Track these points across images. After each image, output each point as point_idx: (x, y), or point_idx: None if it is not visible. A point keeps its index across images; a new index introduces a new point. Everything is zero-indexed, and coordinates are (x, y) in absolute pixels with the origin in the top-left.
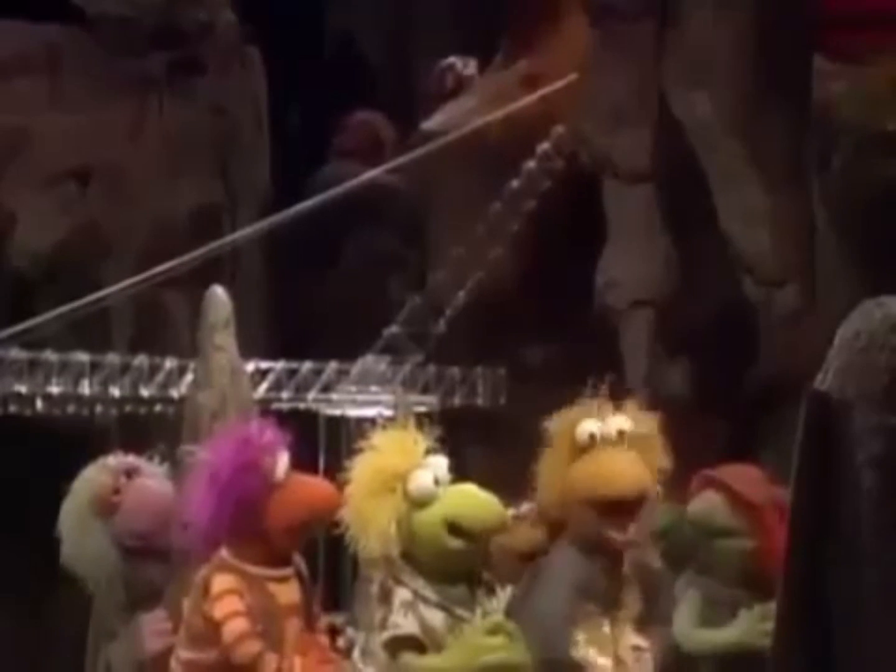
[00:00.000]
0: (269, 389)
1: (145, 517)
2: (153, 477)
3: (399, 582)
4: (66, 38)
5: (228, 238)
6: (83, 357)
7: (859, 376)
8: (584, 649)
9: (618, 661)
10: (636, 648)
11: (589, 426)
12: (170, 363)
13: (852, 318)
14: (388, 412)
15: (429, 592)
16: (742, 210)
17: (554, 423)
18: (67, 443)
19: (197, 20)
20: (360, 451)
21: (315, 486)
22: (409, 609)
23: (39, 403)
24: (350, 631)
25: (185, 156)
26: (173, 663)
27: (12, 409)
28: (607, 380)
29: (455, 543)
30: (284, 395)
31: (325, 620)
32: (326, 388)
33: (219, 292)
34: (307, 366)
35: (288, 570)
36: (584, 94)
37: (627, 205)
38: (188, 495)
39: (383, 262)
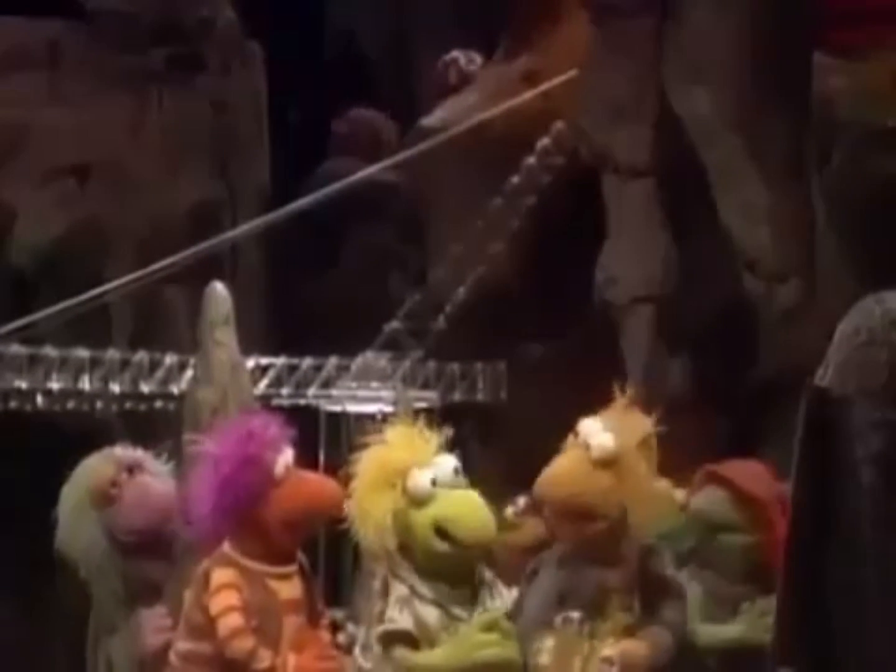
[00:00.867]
0: (270, 385)
1: (141, 515)
2: (155, 474)
3: (396, 576)
4: (66, 34)
5: (228, 234)
6: (83, 353)
7: (859, 372)
8: (544, 657)
9: None
10: (605, 660)
11: (605, 441)
12: (170, 359)
13: (852, 315)
14: (388, 408)
15: (424, 589)
16: (742, 206)
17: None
18: (67, 439)
19: (197, 16)
20: (369, 444)
21: (316, 482)
22: (405, 604)
23: (39, 399)
24: (351, 627)
25: (184, 152)
26: (172, 654)
27: (12, 405)
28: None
29: (442, 547)
30: (285, 391)
31: (326, 616)
32: (327, 384)
33: (219, 288)
34: (307, 362)
35: (290, 567)
36: (585, 90)
37: (627, 201)
38: (190, 487)
39: (383, 258)
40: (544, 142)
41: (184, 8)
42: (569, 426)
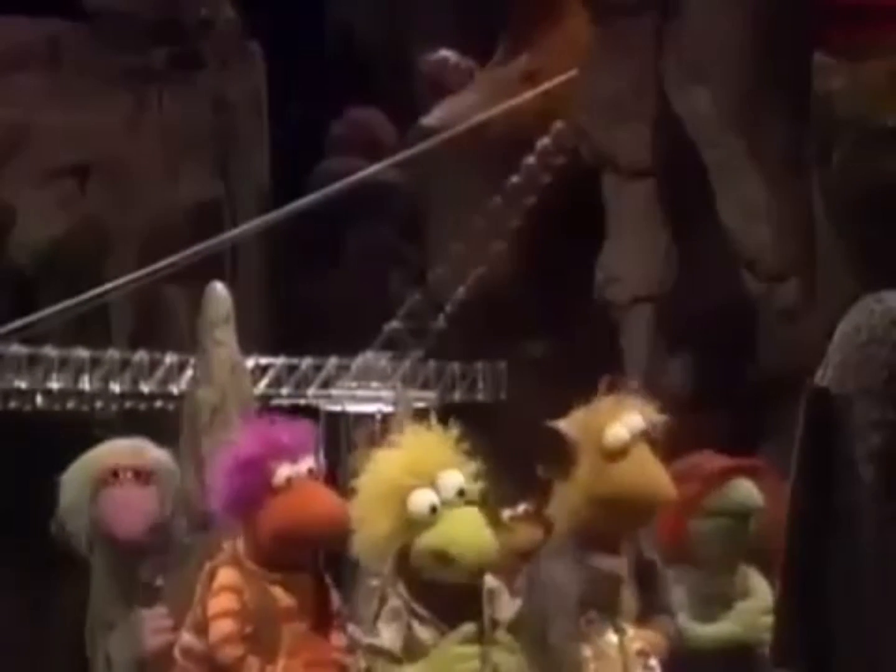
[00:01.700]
0: (270, 385)
1: (120, 527)
2: (144, 479)
3: (392, 589)
4: (66, 33)
5: (228, 234)
6: (83, 353)
7: (859, 371)
8: (590, 667)
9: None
10: (641, 654)
11: (620, 432)
12: (170, 359)
13: (852, 314)
14: (388, 408)
15: (419, 607)
16: (742, 205)
17: (572, 427)
18: (67, 439)
19: (197, 15)
20: (380, 447)
21: (314, 500)
22: (396, 618)
23: (39, 399)
24: (350, 627)
25: (184, 151)
26: (176, 646)
27: (12, 404)
28: (611, 378)
29: (441, 573)
30: (284, 390)
31: (342, 621)
32: (326, 384)
33: (219, 288)
34: (307, 361)
35: (295, 575)
36: (585, 89)
37: (627, 200)
38: (210, 477)
39: (383, 257)
40: (544, 142)
41: (184, 7)
42: None
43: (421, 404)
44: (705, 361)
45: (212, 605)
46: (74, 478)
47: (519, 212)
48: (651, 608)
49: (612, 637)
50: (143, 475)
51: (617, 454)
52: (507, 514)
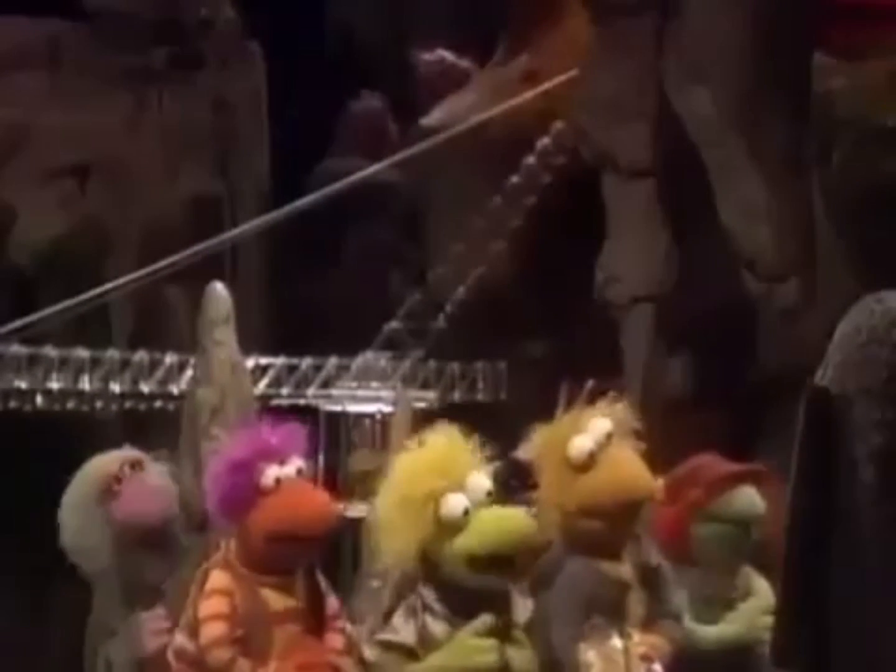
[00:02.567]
0: (270, 385)
1: (141, 508)
2: (156, 473)
3: (412, 588)
4: (66, 33)
5: (228, 234)
6: (83, 353)
7: (859, 371)
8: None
9: None
10: (644, 658)
11: (585, 444)
12: (170, 359)
13: (852, 314)
14: (388, 408)
15: (439, 607)
16: (742, 205)
17: (536, 447)
18: (67, 439)
19: (197, 15)
20: (406, 447)
21: (305, 500)
22: (412, 615)
23: (39, 399)
24: (349, 627)
25: (184, 151)
26: (169, 649)
27: (12, 405)
28: (569, 386)
29: (473, 579)
30: (284, 390)
31: (340, 623)
32: (326, 384)
33: (219, 288)
34: (307, 361)
35: (287, 578)
36: (585, 89)
37: (627, 200)
38: (204, 478)
39: (383, 257)
40: (544, 142)
41: (184, 7)
42: None
43: (421, 404)
44: (705, 361)
45: (202, 608)
46: (73, 497)
47: (519, 212)
48: (657, 613)
49: (618, 642)
50: (144, 464)
51: (585, 466)
52: None
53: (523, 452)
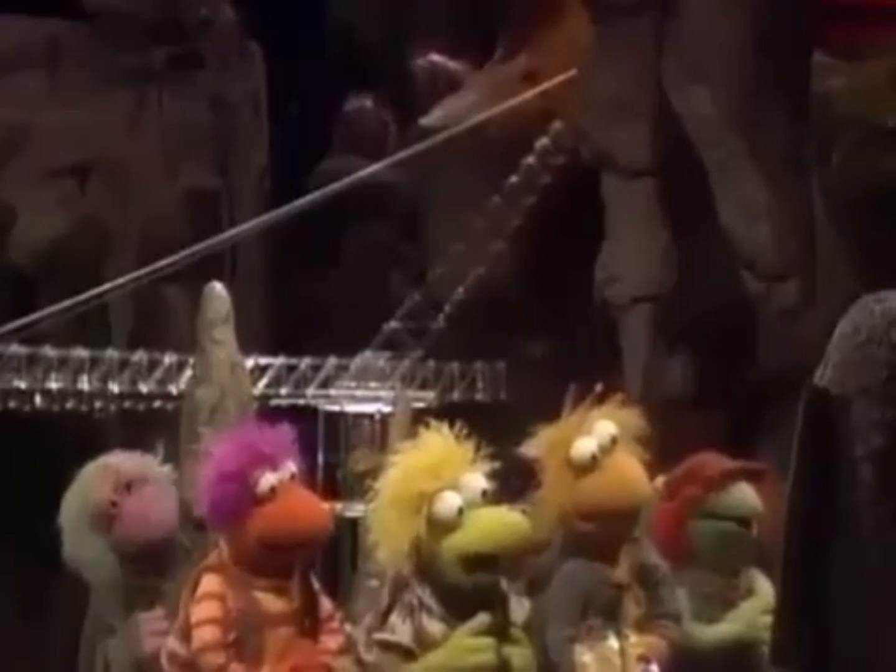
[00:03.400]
0: (269, 385)
1: (142, 531)
2: (155, 483)
3: (408, 587)
4: (66, 33)
5: (228, 234)
6: (82, 353)
7: (858, 371)
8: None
9: None
10: (641, 659)
11: (588, 446)
12: (169, 359)
13: (851, 313)
14: (387, 408)
15: (435, 606)
16: (742, 204)
17: (541, 446)
18: (67, 438)
19: (197, 15)
20: (400, 449)
21: (300, 506)
22: (409, 615)
23: (38, 399)
24: (348, 627)
25: (184, 150)
26: (162, 652)
27: (11, 404)
28: (577, 387)
29: (466, 579)
30: (283, 390)
31: (335, 624)
32: (325, 384)
33: (218, 288)
34: (306, 361)
35: (281, 581)
36: (584, 88)
37: (627, 200)
38: (198, 484)
39: (383, 257)
40: (544, 142)
41: (184, 7)
42: None
43: (420, 404)
44: (705, 361)
45: (195, 613)
46: (70, 517)
47: (518, 212)
48: (655, 613)
49: (614, 643)
50: (138, 480)
51: (587, 468)
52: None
53: (528, 450)
